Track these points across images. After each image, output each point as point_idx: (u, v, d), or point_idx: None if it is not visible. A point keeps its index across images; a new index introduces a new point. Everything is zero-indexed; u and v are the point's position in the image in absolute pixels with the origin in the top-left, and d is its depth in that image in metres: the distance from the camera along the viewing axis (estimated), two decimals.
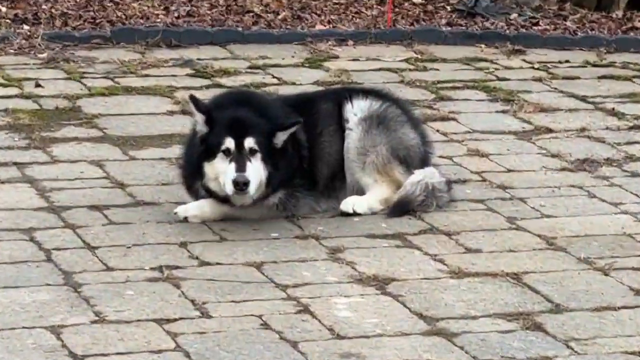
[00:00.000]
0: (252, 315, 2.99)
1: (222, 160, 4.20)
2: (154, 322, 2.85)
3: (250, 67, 7.71)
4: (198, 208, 4.37)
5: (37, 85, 6.81)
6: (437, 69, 8.13)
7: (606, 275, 3.67)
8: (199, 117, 4.34)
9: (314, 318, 2.99)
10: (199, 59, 7.83)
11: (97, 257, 3.67)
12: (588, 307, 3.20)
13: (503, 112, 6.91)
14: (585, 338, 2.80)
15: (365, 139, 4.67)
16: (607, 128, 6.72)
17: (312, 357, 2.55)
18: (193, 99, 4.52)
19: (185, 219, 4.27)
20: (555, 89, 7.77)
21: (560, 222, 4.58)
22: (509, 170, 5.50)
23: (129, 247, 3.85)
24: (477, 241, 4.21)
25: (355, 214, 4.48)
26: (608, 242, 4.23)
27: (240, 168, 4.08)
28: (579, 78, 8.18)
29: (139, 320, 2.87)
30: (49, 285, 3.25)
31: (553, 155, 5.89)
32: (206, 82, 7.22)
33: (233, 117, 4.37)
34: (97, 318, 2.87)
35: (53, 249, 3.73)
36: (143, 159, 5.39)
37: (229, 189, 4.10)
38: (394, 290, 3.40)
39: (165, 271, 3.51)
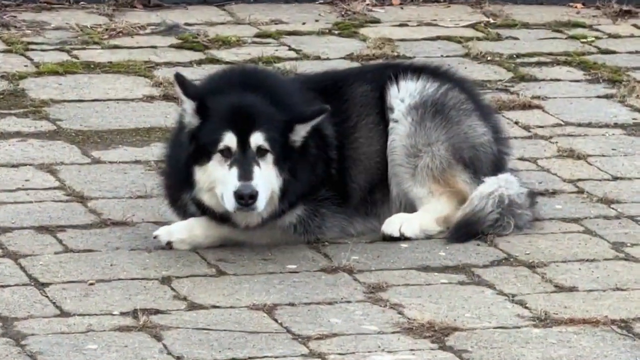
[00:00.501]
0: None
1: (220, 164, 4.07)
2: None
3: (258, 36, 7.63)
4: (186, 230, 4.26)
5: None
6: (516, 38, 8.03)
7: None
8: (188, 105, 4.20)
9: None
10: (187, 24, 7.75)
11: (48, 297, 3.60)
12: None
13: (607, 97, 6.80)
14: None
15: (416, 135, 4.56)
16: None
17: None
18: (180, 79, 4.36)
19: (169, 245, 4.17)
20: None
21: None
22: (615, 178, 5.39)
23: (92, 284, 3.78)
24: (571, 276, 4.11)
25: (403, 238, 4.36)
26: None
27: (245, 175, 3.92)
28: None
29: None
30: None
31: None
32: (197, 55, 7.14)
33: (235, 104, 4.23)
34: None
35: None
36: (110, 162, 5.31)
37: (230, 203, 3.94)
38: (456, 343, 3.26)
39: (141, 317, 3.37)
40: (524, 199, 4.58)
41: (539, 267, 4.19)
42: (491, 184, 4.50)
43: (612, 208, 4.92)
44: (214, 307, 3.59)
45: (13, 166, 5.07)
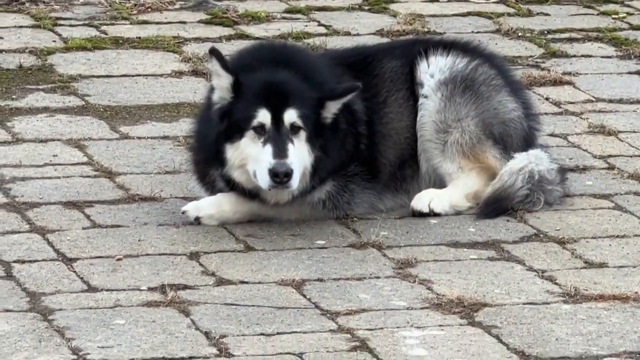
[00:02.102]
0: (289, 353, 2.85)
1: (253, 141, 4.04)
2: None
3: (287, 11, 7.57)
4: (215, 206, 4.25)
5: None
6: (547, 14, 7.91)
7: None
8: (226, 80, 4.13)
9: (374, 357, 2.92)
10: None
11: (76, 272, 3.60)
12: None
13: (638, 73, 6.70)
14: None
15: (446, 111, 4.51)
16: None
17: None
18: (216, 53, 4.26)
19: (198, 221, 4.16)
20: None
21: None
22: None
23: (120, 260, 3.76)
24: (601, 252, 4.08)
25: (432, 214, 4.34)
26: None
27: (280, 153, 3.89)
28: None
29: None
30: (9, 311, 3.16)
31: None
32: (226, 31, 7.09)
33: (268, 81, 4.17)
34: (74, 357, 2.78)
35: (14, 262, 3.69)
36: (139, 138, 5.29)
37: (264, 181, 3.92)
38: (485, 319, 3.26)
39: (169, 292, 3.37)
40: (554, 175, 4.54)
41: (569, 243, 4.15)
42: (521, 160, 4.45)
43: None
44: (242, 282, 3.59)
45: (41, 141, 5.04)
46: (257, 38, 6.73)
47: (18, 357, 2.73)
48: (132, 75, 6.22)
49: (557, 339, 3.07)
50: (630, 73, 6.71)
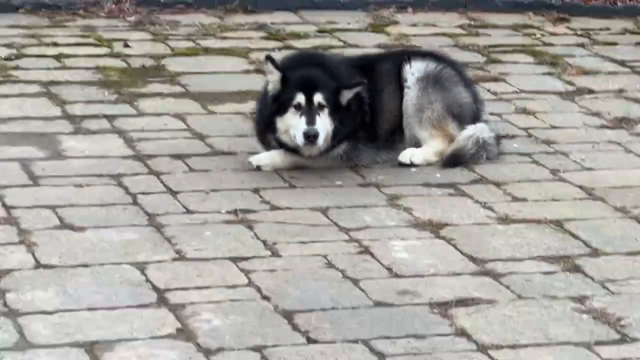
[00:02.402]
0: (317, 255, 2.98)
1: (293, 115, 4.12)
2: (229, 260, 2.84)
3: (318, 31, 7.55)
4: (270, 158, 4.28)
5: (126, 46, 6.73)
6: (489, 35, 7.89)
7: None
8: (276, 75, 4.22)
9: (373, 258, 2.97)
10: (272, 23, 7.70)
11: (179, 201, 3.65)
12: (623, 252, 3.21)
13: (549, 74, 6.65)
14: (620, 279, 2.84)
15: (422, 97, 4.50)
16: None
17: (372, 294, 2.50)
18: (270, 58, 4.35)
19: (258, 168, 4.19)
20: (596, 54, 7.34)
21: (599, 174, 4.45)
22: (553, 127, 5.28)
23: (207, 193, 3.81)
24: (523, 191, 4.10)
25: (412, 164, 4.35)
26: None
27: (311, 121, 4.00)
28: (617, 44, 7.85)
29: (215, 259, 2.88)
30: (135, 225, 3.26)
31: (593, 114, 5.65)
32: (278, 44, 7.04)
33: (304, 75, 4.26)
34: (177, 256, 2.90)
35: (139, 193, 3.72)
36: (221, 113, 5.26)
37: (300, 140, 4.02)
38: (447, 234, 3.35)
39: (239, 214, 3.46)
40: (493, 140, 4.51)
41: (502, 185, 4.14)
42: (471, 130, 4.45)
43: (551, 147, 4.78)
44: (288, 208, 3.65)
45: (156, 115, 5.04)
46: (298, 48, 6.72)
47: (140, 256, 2.87)
48: (216, 73, 6.20)
49: (494, 248, 3.26)
50: (543, 74, 6.68)
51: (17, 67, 6.21)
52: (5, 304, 2.32)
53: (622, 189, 4.27)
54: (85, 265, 2.74)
